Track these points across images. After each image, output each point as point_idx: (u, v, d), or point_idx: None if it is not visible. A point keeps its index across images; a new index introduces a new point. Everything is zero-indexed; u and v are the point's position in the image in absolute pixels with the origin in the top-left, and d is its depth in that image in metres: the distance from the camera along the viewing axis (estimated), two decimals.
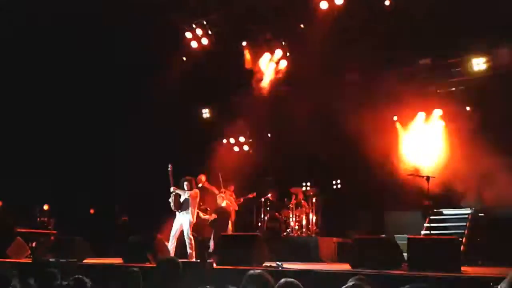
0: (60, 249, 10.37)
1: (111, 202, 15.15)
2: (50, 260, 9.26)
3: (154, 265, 8.54)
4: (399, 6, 12.05)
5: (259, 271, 4.09)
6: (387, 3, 12.08)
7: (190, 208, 10.28)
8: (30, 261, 10.45)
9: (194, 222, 10.44)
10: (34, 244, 12.65)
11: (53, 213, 14.31)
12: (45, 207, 14.36)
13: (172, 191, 10.39)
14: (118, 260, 9.97)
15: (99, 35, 14.04)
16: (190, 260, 9.73)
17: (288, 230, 12.92)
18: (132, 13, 13.63)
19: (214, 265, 8.47)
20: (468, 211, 11.04)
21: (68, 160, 14.84)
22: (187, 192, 10.30)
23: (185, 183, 10.43)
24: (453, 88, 12.71)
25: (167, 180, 10.55)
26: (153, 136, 14.42)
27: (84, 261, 10.05)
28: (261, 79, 14.69)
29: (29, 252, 11.69)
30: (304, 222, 12.88)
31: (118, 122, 14.66)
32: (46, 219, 14.16)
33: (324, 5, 12.57)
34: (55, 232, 13.62)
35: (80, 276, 4.78)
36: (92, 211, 15.74)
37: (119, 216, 15.27)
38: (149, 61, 14.64)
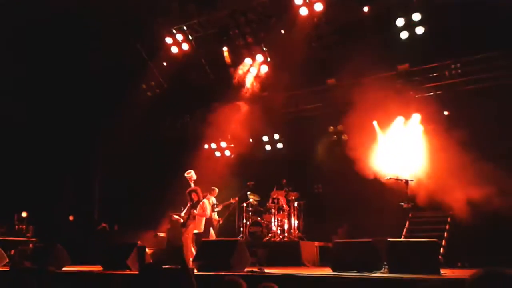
0: (38, 257, 10.22)
1: (90, 209, 14.97)
2: (29, 268, 9.10)
3: (135, 272, 8.52)
4: (377, 13, 12.22)
5: (232, 277, 4.10)
6: (365, 9, 12.23)
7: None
8: (8, 269, 10.25)
9: (200, 231, 10.89)
10: (12, 252, 12.43)
11: (31, 221, 14.10)
12: (24, 214, 14.14)
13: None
14: (97, 268, 9.85)
15: (75, 40, 13.91)
16: (171, 266, 9.66)
17: (270, 234, 12.94)
18: (110, 18, 13.56)
19: (195, 271, 8.43)
20: (447, 213, 11.19)
21: (46, 167, 14.66)
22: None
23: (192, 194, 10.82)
24: (431, 93, 12.93)
25: (147, 187, 10.54)
26: (133, 143, 14.34)
27: (63, 268, 9.92)
28: (242, 84, 14.73)
29: (7, 260, 11.47)
30: (286, 226, 12.91)
31: (97, 129, 14.55)
32: (24, 226, 13.94)
33: (304, 11, 12.70)
34: (34, 239, 13.41)
35: None
36: (71, 218, 15.56)
37: (98, 223, 15.11)
38: (128, 68, 14.59)
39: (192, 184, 11.20)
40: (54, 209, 14.58)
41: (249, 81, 14.71)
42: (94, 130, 14.76)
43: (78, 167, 14.93)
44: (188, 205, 10.92)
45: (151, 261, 9.75)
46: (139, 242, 9.95)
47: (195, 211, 10.79)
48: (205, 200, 11.13)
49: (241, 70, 14.75)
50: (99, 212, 15.27)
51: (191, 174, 11.37)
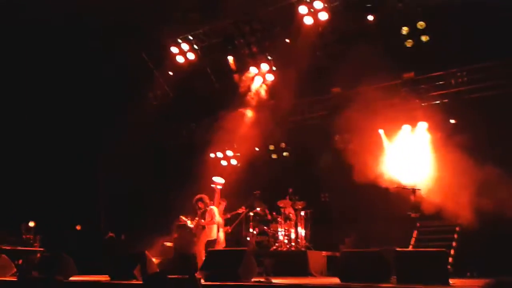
0: (46, 267, 10.23)
1: (97, 218, 15.00)
2: (36, 277, 9.12)
3: (141, 282, 8.52)
4: (382, 21, 12.25)
5: None
6: (370, 18, 12.26)
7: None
8: (16, 279, 10.27)
9: (212, 238, 11.01)
10: (20, 262, 12.46)
11: (39, 230, 14.13)
12: (31, 224, 14.17)
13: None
14: (105, 278, 9.86)
15: (80, 49, 14.02)
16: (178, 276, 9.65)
17: (277, 244, 12.90)
18: (116, 27, 13.66)
19: (202, 281, 8.42)
20: (455, 223, 11.13)
21: (53, 176, 14.72)
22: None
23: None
24: (437, 101, 12.92)
25: (154, 196, 10.56)
26: (139, 152, 14.38)
27: (71, 278, 9.93)
28: (248, 93, 14.77)
29: (15, 270, 11.49)
30: (293, 236, 12.87)
31: (103, 138, 14.59)
32: (32, 236, 13.96)
33: (309, 20, 12.73)
34: (41, 249, 13.43)
35: None
36: (78, 227, 15.59)
37: (105, 233, 15.12)
38: (134, 77, 14.66)
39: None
40: (61, 219, 14.60)
41: (254, 90, 14.75)
42: (100, 139, 14.81)
43: (84, 176, 14.98)
44: (198, 213, 10.96)
45: (157, 270, 9.72)
46: (146, 251, 9.92)
47: (202, 220, 10.81)
48: (212, 207, 11.13)
49: (246, 78, 14.81)
50: (106, 221, 15.27)
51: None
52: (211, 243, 10.82)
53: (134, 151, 14.40)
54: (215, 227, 11.12)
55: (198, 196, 11.08)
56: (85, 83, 14.70)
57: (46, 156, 14.69)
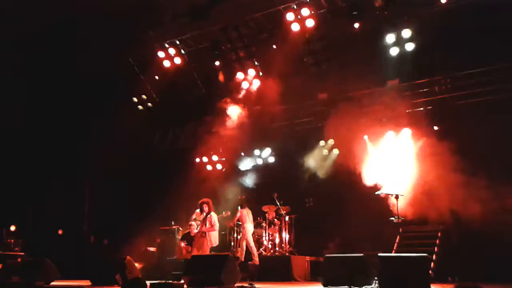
0: (27, 271, 10.08)
1: (80, 223, 14.83)
2: (17, 282, 8.98)
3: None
4: (368, 29, 12.36)
5: None
6: (356, 25, 12.36)
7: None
8: None
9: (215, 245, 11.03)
10: (0, 266, 12.25)
11: (20, 234, 13.94)
12: (12, 228, 13.98)
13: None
14: (86, 283, 9.75)
15: (66, 51, 13.92)
16: (160, 281, 9.58)
17: (261, 249, 12.88)
18: (103, 30, 13.59)
19: (185, 286, 8.37)
20: (438, 228, 11.21)
21: (35, 180, 14.56)
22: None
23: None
24: (421, 108, 13.05)
25: (138, 201, 10.47)
26: (124, 157, 14.28)
27: (52, 283, 9.80)
28: (234, 98, 14.77)
29: None
30: (277, 241, 12.87)
31: (87, 141, 14.45)
32: (13, 240, 13.76)
33: (295, 27, 12.80)
34: (22, 253, 13.24)
35: None
36: (60, 232, 15.39)
37: (87, 237, 14.96)
38: (119, 81, 14.57)
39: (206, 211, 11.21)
40: (42, 223, 14.42)
41: (241, 95, 14.75)
42: (84, 142, 14.67)
43: (67, 180, 14.82)
44: (202, 217, 10.96)
45: (139, 275, 9.63)
46: (127, 257, 9.83)
47: (204, 226, 10.79)
48: (212, 213, 11.02)
49: (233, 84, 14.80)
50: (89, 226, 15.11)
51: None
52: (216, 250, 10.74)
53: (119, 155, 14.28)
54: (216, 234, 11.02)
55: (205, 199, 11.03)
56: (69, 86, 14.57)
57: (27, 158, 14.52)
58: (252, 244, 12.26)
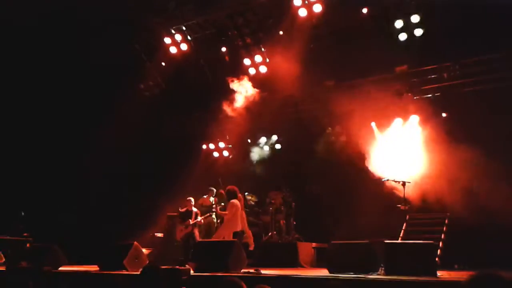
0: (35, 257, 10.19)
1: (87, 209, 14.90)
2: (25, 267, 9.07)
3: (132, 273, 8.52)
4: (376, 14, 12.23)
5: (232, 277, 4.07)
6: (364, 11, 12.23)
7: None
8: (4, 269, 10.22)
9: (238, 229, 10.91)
10: (8, 252, 12.39)
11: (29, 220, 14.05)
12: (21, 213, 14.08)
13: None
14: (94, 268, 9.84)
15: (72, 39, 13.89)
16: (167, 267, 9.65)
17: (267, 235, 12.91)
18: (109, 17, 13.54)
19: (192, 271, 8.42)
20: (444, 215, 11.17)
21: (44, 166, 14.64)
22: None
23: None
24: (429, 95, 12.94)
25: (145, 187, 10.49)
26: (131, 143, 14.30)
27: (60, 268, 9.90)
28: (240, 85, 14.71)
29: (4, 259, 11.44)
30: (283, 227, 12.90)
31: (93, 128, 14.46)
32: (22, 226, 13.87)
33: (303, 13, 12.69)
34: (30, 239, 13.36)
35: None
36: (66, 217, 15.46)
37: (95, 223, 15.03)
38: (126, 68, 14.54)
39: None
40: (51, 209, 14.51)
41: (247, 81, 14.67)
42: (90, 129, 14.70)
43: (74, 166, 14.87)
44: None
45: (147, 261, 9.70)
46: (135, 242, 9.90)
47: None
48: (233, 200, 10.91)
49: (240, 70, 14.72)
50: (96, 212, 15.17)
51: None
52: (238, 235, 10.68)
53: (126, 142, 14.30)
54: (237, 220, 10.90)
55: (230, 187, 11.08)
56: (74, 73, 14.57)
57: (35, 145, 14.60)
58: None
